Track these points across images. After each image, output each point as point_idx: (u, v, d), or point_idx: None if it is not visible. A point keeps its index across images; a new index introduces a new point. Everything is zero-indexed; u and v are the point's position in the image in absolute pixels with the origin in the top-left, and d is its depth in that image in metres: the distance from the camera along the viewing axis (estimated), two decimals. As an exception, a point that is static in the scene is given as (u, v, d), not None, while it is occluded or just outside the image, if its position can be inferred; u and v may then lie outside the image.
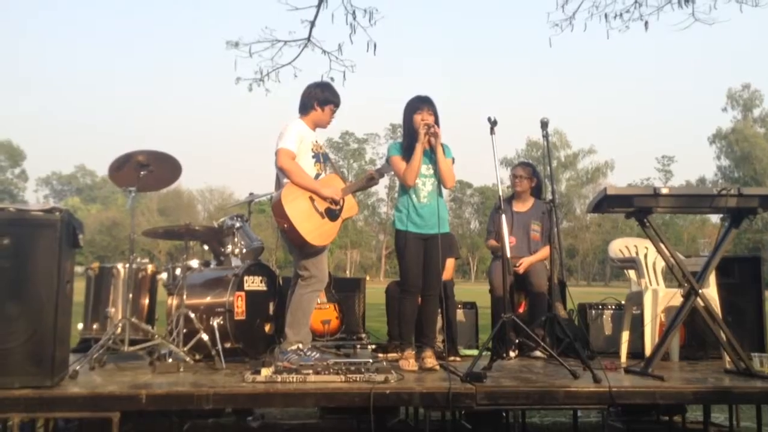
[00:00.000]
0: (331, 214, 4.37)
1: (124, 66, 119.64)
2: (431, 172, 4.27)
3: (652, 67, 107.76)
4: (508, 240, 4.87)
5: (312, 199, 4.29)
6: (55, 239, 3.41)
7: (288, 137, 4.32)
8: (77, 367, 3.73)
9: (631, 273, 5.07)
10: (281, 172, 4.36)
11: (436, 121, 4.21)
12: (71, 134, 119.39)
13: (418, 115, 4.21)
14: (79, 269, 4.64)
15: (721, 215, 4.33)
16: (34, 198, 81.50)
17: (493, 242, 5.40)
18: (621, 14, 7.74)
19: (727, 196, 3.97)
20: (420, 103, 4.25)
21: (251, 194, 5.75)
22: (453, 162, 4.35)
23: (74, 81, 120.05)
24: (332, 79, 7.60)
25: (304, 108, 4.53)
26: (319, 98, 4.51)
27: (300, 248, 4.29)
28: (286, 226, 4.17)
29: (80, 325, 4.59)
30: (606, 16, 7.73)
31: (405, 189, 4.30)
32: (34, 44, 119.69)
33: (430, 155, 4.24)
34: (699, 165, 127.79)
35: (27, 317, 3.34)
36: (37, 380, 3.30)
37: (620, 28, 7.75)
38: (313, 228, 4.22)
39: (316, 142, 4.52)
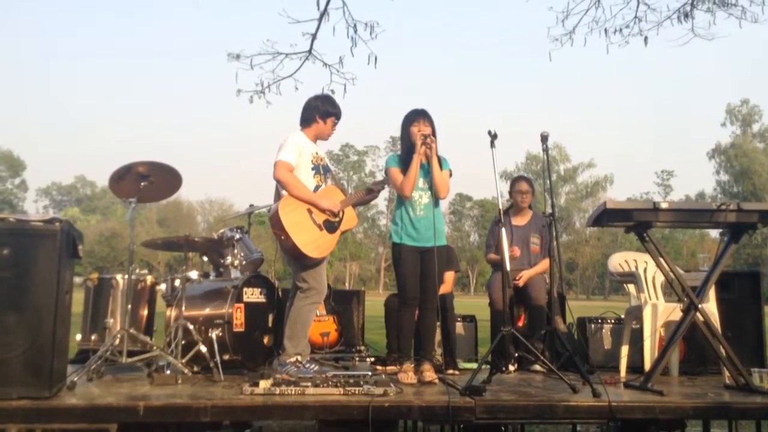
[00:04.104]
0: (330, 226, 4.37)
1: (125, 76, 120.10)
2: (427, 185, 4.28)
3: (652, 81, 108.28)
4: (511, 250, 4.88)
5: (310, 211, 4.29)
6: (55, 250, 3.42)
7: (287, 149, 4.33)
8: (75, 378, 3.72)
9: (631, 287, 5.08)
10: (279, 184, 4.37)
11: (433, 133, 4.24)
12: (71, 145, 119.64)
13: (414, 127, 4.24)
14: (78, 280, 4.62)
15: (721, 230, 4.33)
16: (34, 208, 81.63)
17: (492, 256, 5.39)
18: (621, 29, 7.83)
19: (727, 211, 3.97)
20: (416, 116, 4.29)
21: (251, 206, 5.76)
22: (451, 174, 4.36)
23: (74, 91, 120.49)
24: (333, 91, 7.64)
25: (306, 120, 4.55)
26: (321, 111, 4.54)
27: (298, 260, 4.29)
28: (283, 237, 4.17)
29: (79, 336, 4.58)
30: (606, 31, 7.82)
31: (401, 202, 4.32)
32: (35, 54, 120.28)
33: (427, 169, 4.26)
34: (698, 180, 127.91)
35: (26, 328, 3.34)
36: (35, 391, 3.29)
37: (620, 43, 7.83)
38: (310, 240, 4.22)
39: (317, 154, 4.53)
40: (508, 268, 4.37)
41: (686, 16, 7.59)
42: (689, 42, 7.61)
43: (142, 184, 4.29)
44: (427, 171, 4.27)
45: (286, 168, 4.29)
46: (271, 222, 4.24)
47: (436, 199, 4.30)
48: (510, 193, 5.59)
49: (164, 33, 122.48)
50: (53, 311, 3.38)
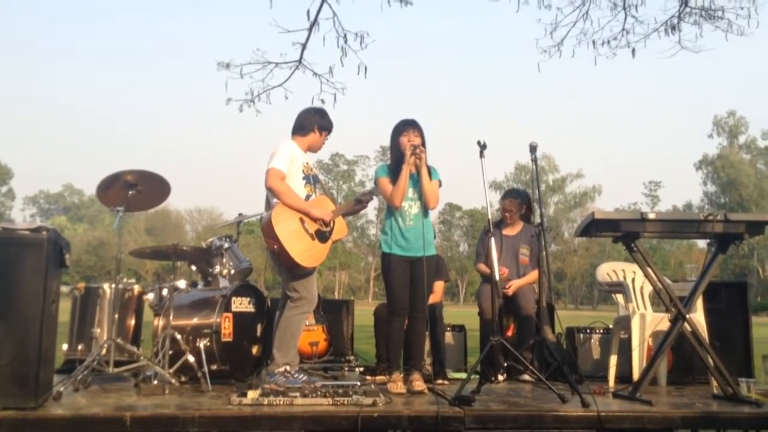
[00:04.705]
0: (321, 236, 4.36)
1: (113, 85, 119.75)
2: (417, 195, 4.29)
3: (640, 93, 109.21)
4: (500, 270, 4.88)
5: (302, 221, 4.29)
6: (42, 258, 3.39)
7: (279, 157, 4.32)
8: (61, 389, 3.68)
9: (619, 297, 5.09)
10: (270, 193, 4.36)
11: (423, 143, 4.25)
12: (59, 153, 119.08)
13: (404, 137, 4.25)
14: (65, 289, 4.60)
15: (708, 240, 4.36)
16: (21, 217, 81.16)
17: (482, 266, 5.40)
18: (608, 41, 7.92)
19: (714, 221, 4.00)
20: (406, 126, 4.30)
21: (240, 215, 5.75)
22: (440, 185, 4.37)
23: (63, 100, 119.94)
24: (323, 101, 7.67)
25: (302, 129, 4.56)
26: (320, 124, 4.59)
27: (289, 269, 4.28)
28: (276, 247, 4.16)
29: (65, 346, 4.54)
30: (594, 43, 7.90)
31: (391, 212, 4.32)
32: (22, 62, 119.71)
33: (416, 179, 4.27)
34: (686, 190, 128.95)
35: (11, 337, 3.30)
36: (21, 401, 3.25)
37: (608, 55, 7.93)
38: (303, 249, 4.21)
39: (307, 163, 4.53)
40: (498, 278, 4.37)
41: (673, 28, 7.69)
42: (676, 54, 7.73)
43: (130, 192, 4.27)
44: (416, 181, 4.28)
45: (278, 176, 4.28)
46: (263, 231, 4.23)
47: (425, 209, 4.31)
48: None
49: (156, 39, 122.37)
50: (39, 321, 3.34)
